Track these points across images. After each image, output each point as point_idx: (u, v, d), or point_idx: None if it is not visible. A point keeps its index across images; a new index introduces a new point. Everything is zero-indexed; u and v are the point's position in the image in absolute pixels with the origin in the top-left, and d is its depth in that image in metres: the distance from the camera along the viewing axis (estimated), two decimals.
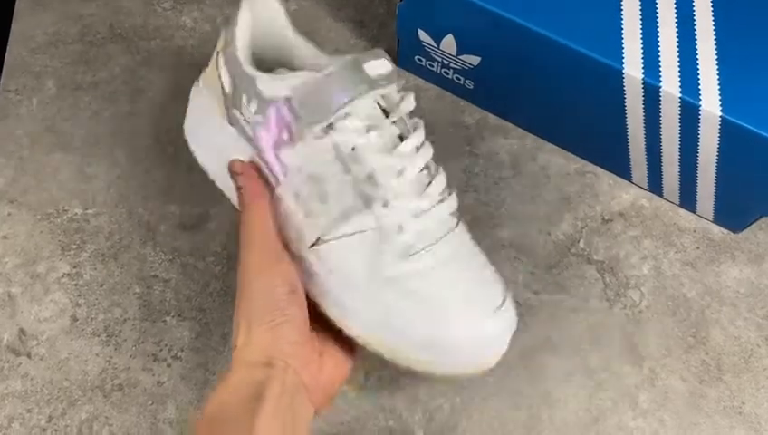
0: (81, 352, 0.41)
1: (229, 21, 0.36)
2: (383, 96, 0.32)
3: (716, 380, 0.41)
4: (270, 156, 0.33)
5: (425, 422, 0.40)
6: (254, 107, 0.33)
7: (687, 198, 0.44)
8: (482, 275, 0.33)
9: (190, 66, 0.49)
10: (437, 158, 0.34)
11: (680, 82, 0.38)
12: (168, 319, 0.42)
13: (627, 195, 0.45)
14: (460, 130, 0.47)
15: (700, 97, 0.37)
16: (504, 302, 0.32)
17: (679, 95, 0.38)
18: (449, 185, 0.33)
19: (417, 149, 0.32)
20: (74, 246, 0.43)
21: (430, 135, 0.34)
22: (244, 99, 0.33)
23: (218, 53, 0.36)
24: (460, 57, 0.44)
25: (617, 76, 0.39)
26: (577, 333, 0.42)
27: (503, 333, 0.32)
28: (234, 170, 0.34)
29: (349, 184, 0.31)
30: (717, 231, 0.45)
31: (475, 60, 0.44)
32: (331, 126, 0.31)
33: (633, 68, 0.38)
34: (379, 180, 0.31)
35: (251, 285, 0.31)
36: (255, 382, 0.29)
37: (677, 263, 0.44)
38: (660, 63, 0.38)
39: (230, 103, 0.34)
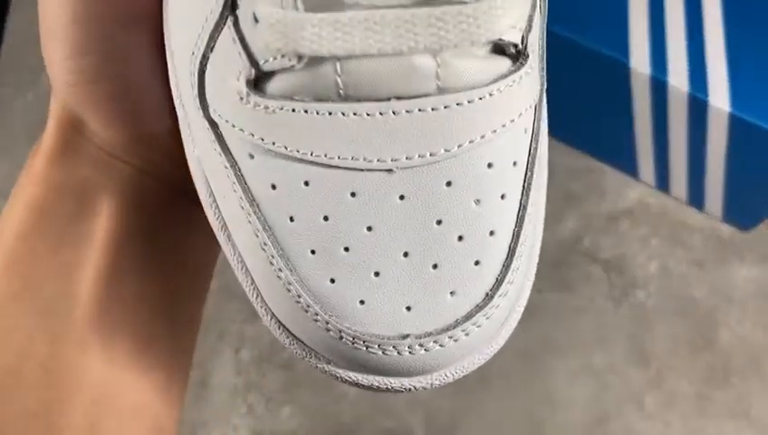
0: None
1: None
2: None
3: (724, 382, 0.40)
4: None
5: (425, 423, 0.39)
6: None
7: (696, 196, 0.44)
8: None
9: None
10: None
11: (689, 77, 0.37)
12: None
13: (633, 192, 0.45)
14: None
15: (708, 93, 0.36)
16: None
17: (687, 91, 0.37)
18: None
19: None
20: None
21: None
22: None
23: None
24: None
25: (623, 71, 0.38)
26: (582, 333, 0.41)
27: None
28: None
29: None
30: (726, 230, 0.44)
31: None
32: None
33: (640, 63, 0.37)
34: None
35: None
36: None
37: (685, 262, 0.43)
38: (668, 58, 0.37)
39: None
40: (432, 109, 0.13)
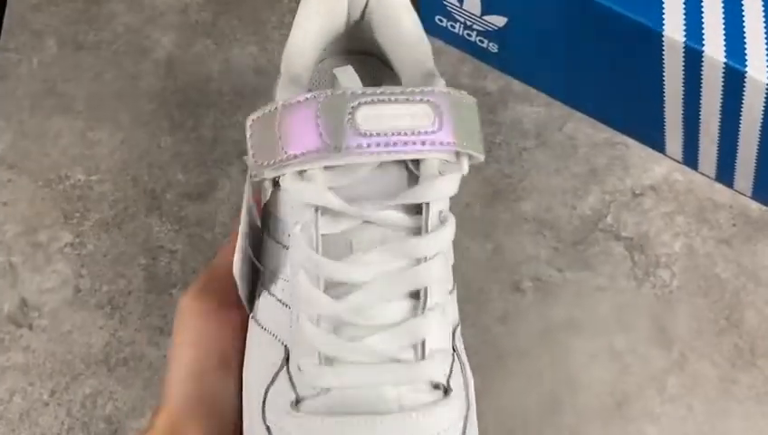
0: (84, 325, 0.40)
1: None
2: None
3: (749, 365, 0.39)
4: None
5: None
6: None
7: (725, 172, 0.42)
8: None
9: (197, 25, 0.46)
10: None
11: (725, 46, 0.35)
12: (174, 291, 0.40)
13: (659, 168, 0.43)
14: (482, 96, 0.45)
15: (746, 63, 0.35)
16: None
17: (723, 60, 0.35)
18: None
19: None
20: (77, 215, 0.42)
21: None
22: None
23: None
24: (485, 18, 0.42)
25: (656, 39, 0.36)
26: (602, 313, 0.40)
27: None
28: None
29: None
30: (756, 207, 0.42)
31: (500, 21, 0.41)
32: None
33: (674, 30, 0.36)
34: (300, 290, 0.23)
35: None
36: None
37: (711, 241, 0.42)
38: (704, 26, 0.36)
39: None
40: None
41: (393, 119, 0.21)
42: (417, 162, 0.22)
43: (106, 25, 0.47)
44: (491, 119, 0.44)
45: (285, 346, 0.23)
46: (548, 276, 0.41)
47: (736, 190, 0.43)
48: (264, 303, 0.25)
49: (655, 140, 0.43)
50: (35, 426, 0.38)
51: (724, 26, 0.36)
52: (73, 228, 0.42)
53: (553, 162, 0.43)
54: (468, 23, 0.43)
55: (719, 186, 0.43)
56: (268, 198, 0.24)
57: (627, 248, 0.41)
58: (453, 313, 0.25)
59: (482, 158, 0.24)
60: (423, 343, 0.22)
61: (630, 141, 0.44)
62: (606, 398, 0.39)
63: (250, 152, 0.23)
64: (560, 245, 0.41)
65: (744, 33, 0.35)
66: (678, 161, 0.43)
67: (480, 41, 0.44)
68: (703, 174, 0.43)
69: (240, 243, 0.25)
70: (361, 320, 0.22)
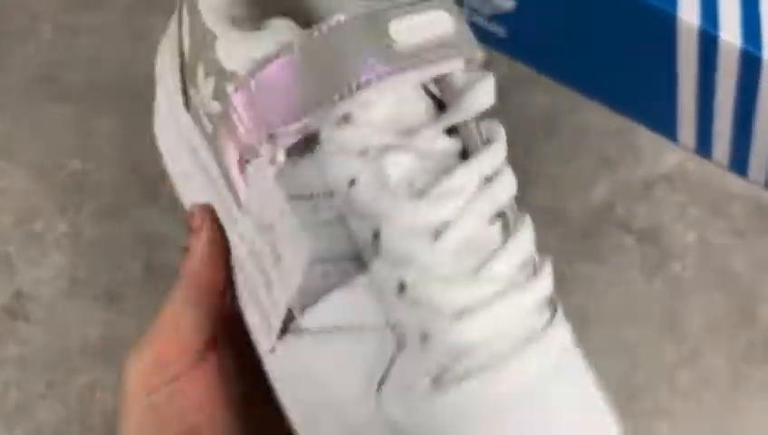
0: (81, 317, 0.39)
1: None
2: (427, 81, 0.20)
3: (763, 360, 0.38)
4: (234, 174, 0.21)
5: None
6: (209, 86, 0.21)
7: (739, 162, 0.41)
8: (592, 419, 0.21)
9: None
10: None
11: (741, 30, 0.34)
12: (173, 283, 0.40)
13: (672, 157, 0.42)
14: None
15: (763, 48, 0.34)
16: None
17: (740, 45, 0.34)
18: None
19: (487, 181, 0.20)
20: (74, 204, 0.41)
21: None
22: (201, 72, 0.21)
23: None
24: (493, 0, 0.41)
25: (670, 22, 0.35)
26: (613, 306, 0.39)
27: None
28: (190, 225, 0.24)
29: (342, 241, 0.19)
30: None
31: (509, 4, 0.41)
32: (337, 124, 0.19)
33: (689, 13, 0.35)
34: (395, 246, 0.19)
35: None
36: None
37: (725, 232, 0.41)
38: (719, 9, 0.35)
39: (185, 77, 0.23)
40: None
41: (425, 30, 0.19)
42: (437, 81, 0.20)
43: (102, 10, 0.46)
44: (498, 106, 0.43)
45: (391, 325, 0.18)
46: (557, 269, 0.40)
47: (751, 181, 0.42)
48: (323, 307, 0.19)
49: (667, 128, 0.42)
50: (31, 419, 0.38)
51: (740, 10, 0.35)
52: (70, 218, 0.41)
53: (563, 151, 0.42)
54: (476, 6, 0.42)
55: (733, 176, 0.42)
56: (272, 181, 0.19)
57: (638, 240, 0.41)
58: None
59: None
60: (533, 259, 0.21)
61: (642, 129, 0.43)
62: (616, 392, 0.38)
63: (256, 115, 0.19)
64: (569, 237, 0.41)
65: (761, 17, 0.35)
66: (691, 150, 0.43)
67: (488, 25, 0.43)
68: (717, 163, 0.42)
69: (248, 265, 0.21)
70: (473, 254, 0.19)
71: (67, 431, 0.38)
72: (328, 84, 0.18)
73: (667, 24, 0.35)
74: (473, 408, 0.18)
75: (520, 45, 0.44)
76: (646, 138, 0.43)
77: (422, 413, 0.18)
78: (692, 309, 0.39)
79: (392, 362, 0.18)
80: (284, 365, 0.21)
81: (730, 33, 0.35)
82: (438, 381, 0.18)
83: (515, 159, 0.43)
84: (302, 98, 0.18)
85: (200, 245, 0.24)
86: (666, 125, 0.42)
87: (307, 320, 0.20)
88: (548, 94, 0.44)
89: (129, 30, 0.46)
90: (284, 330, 0.20)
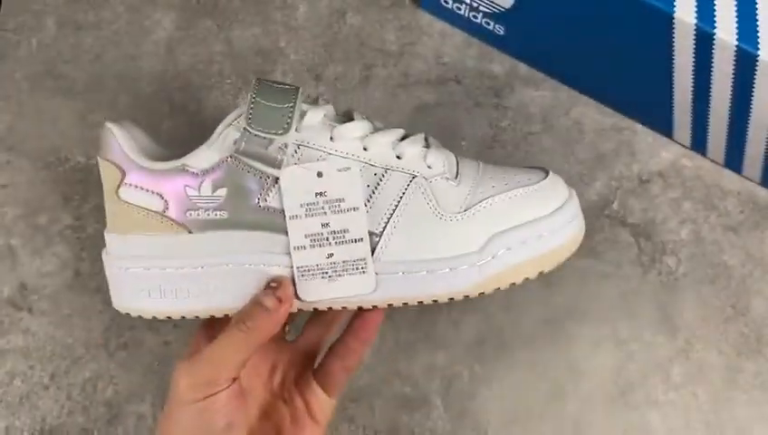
0: (84, 309, 0.39)
1: None
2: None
3: (755, 353, 0.39)
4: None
5: (443, 390, 0.38)
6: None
7: (733, 158, 0.41)
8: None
9: (198, 5, 0.46)
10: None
11: (737, 28, 0.34)
12: None
13: (667, 153, 0.43)
14: (488, 80, 0.44)
15: (759, 46, 0.34)
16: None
17: (735, 43, 0.34)
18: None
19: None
20: (77, 197, 0.42)
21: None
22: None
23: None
24: None
25: (666, 21, 0.35)
26: (607, 300, 0.40)
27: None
28: (277, 295, 0.30)
29: None
30: (764, 194, 0.42)
31: (507, 2, 0.41)
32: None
33: (685, 12, 0.35)
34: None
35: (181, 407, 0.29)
36: None
37: (719, 227, 0.41)
38: (715, 8, 0.35)
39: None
40: None
41: None
42: None
43: (106, 5, 0.46)
44: (496, 103, 0.43)
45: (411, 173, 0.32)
46: None
47: (745, 177, 0.42)
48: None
49: (662, 125, 0.42)
50: (35, 409, 0.38)
51: (736, 9, 0.35)
52: (73, 211, 0.41)
53: (560, 147, 0.42)
54: (474, 4, 0.42)
55: (727, 172, 0.42)
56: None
57: (633, 235, 0.41)
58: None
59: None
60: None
61: (638, 126, 0.43)
62: (610, 386, 0.38)
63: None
64: None
65: (757, 15, 0.35)
66: (686, 147, 0.43)
67: (486, 23, 0.43)
68: (711, 160, 0.42)
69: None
70: None
71: (70, 422, 0.38)
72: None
73: (663, 21, 0.35)
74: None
75: (518, 43, 0.43)
76: (641, 134, 0.43)
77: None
78: (685, 303, 0.40)
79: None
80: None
81: (726, 31, 0.34)
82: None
83: (513, 155, 0.43)
84: None
85: (281, 312, 0.30)
86: (661, 122, 0.42)
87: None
88: (545, 91, 0.44)
89: (133, 26, 0.45)
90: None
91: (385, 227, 0.31)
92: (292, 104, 0.31)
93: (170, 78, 0.44)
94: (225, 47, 0.45)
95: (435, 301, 0.31)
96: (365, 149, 0.31)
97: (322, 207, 0.31)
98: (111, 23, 0.45)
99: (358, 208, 0.31)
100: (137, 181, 0.32)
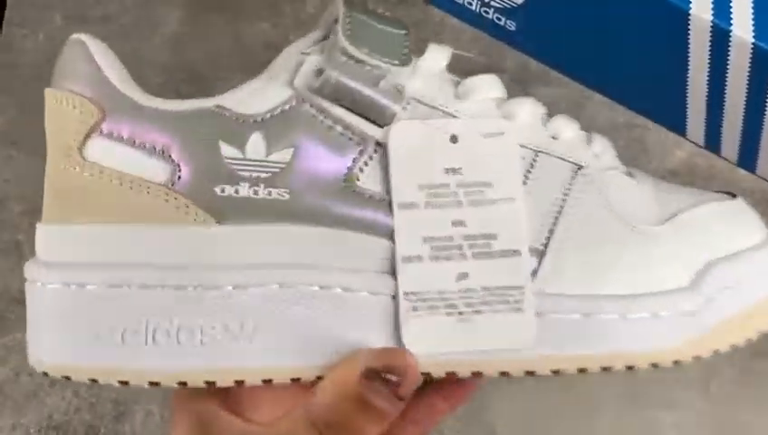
0: None
1: None
2: None
3: (767, 353, 0.39)
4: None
5: None
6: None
7: (748, 157, 0.41)
8: None
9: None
10: None
11: (754, 25, 0.34)
12: None
13: (680, 152, 0.42)
14: (498, 76, 0.44)
15: None
16: None
17: (752, 41, 0.34)
18: None
19: None
20: None
21: None
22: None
23: None
24: None
25: (681, 18, 0.35)
26: None
27: None
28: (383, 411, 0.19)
29: None
30: None
31: None
32: None
33: (701, 8, 0.34)
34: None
35: None
36: None
37: None
38: (731, 4, 0.34)
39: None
40: None
41: None
42: None
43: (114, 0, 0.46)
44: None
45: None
46: None
47: (759, 176, 0.42)
48: None
49: (676, 123, 0.42)
50: (42, 406, 0.38)
51: (752, 5, 0.35)
52: None
53: None
54: (486, 0, 0.42)
55: (741, 171, 0.42)
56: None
57: None
58: None
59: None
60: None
61: (651, 124, 0.43)
62: (621, 384, 0.38)
63: None
64: None
65: None
66: (700, 145, 0.42)
67: (497, 18, 0.43)
68: (725, 158, 0.42)
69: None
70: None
71: (77, 418, 0.38)
72: None
73: (679, 18, 0.35)
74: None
75: (529, 39, 0.43)
76: (654, 132, 0.43)
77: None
78: None
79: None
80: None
81: (742, 28, 0.34)
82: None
83: None
84: None
85: (395, 414, 0.20)
86: (675, 120, 0.42)
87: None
88: (557, 88, 0.44)
89: (141, 19, 0.45)
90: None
91: (549, 238, 0.20)
92: (405, 31, 0.20)
93: (177, 72, 0.44)
94: (233, 41, 0.44)
95: (630, 368, 0.20)
96: (505, 118, 0.21)
97: (455, 193, 0.20)
98: (119, 17, 0.45)
99: (514, 200, 0.20)
100: (126, 130, 0.19)
